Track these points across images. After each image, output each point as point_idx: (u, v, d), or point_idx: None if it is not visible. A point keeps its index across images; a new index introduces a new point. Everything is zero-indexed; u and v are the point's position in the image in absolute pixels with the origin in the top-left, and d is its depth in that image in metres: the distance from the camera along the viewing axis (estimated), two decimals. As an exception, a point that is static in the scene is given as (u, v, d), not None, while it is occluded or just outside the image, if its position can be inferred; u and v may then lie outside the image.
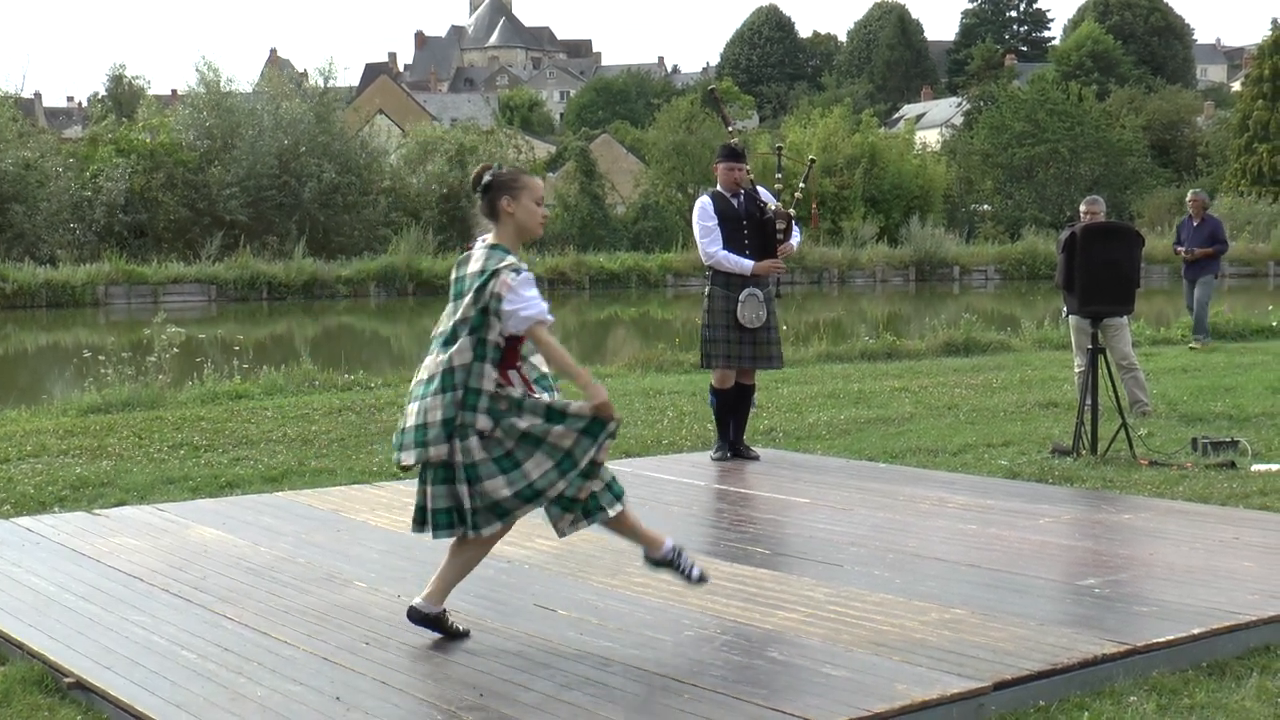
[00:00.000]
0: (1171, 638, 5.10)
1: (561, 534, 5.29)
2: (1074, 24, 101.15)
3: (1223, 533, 6.91)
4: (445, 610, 5.25)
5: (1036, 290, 37.33)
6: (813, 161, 10.66)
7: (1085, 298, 9.88)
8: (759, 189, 9.40)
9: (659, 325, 29.00)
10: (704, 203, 9.30)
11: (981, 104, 69.65)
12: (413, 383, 5.25)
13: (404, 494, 8.25)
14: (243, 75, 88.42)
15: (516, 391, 5.09)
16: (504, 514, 5.09)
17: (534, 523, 7.34)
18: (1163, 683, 4.81)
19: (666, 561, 5.40)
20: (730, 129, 9.99)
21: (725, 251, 9.13)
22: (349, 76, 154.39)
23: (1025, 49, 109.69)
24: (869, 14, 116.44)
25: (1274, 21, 70.51)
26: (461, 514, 5.08)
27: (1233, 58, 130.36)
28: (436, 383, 5.06)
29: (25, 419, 12.06)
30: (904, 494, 8.07)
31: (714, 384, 9.38)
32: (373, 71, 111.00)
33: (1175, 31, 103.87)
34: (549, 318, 5.11)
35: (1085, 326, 10.26)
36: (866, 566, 6.33)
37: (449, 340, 5.11)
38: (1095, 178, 54.21)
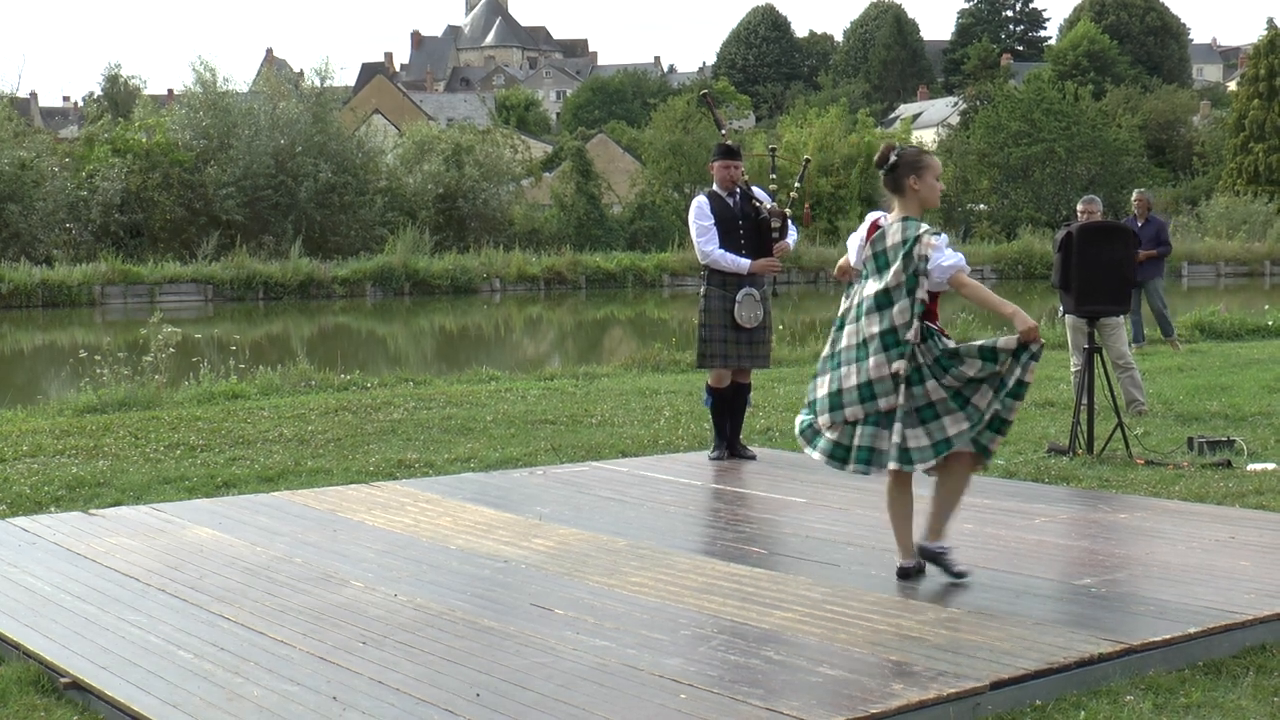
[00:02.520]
0: (1168, 637, 5.11)
1: (990, 455, 5.93)
2: (1070, 24, 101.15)
3: (1219, 532, 6.91)
4: (948, 548, 6.03)
5: (1033, 290, 37.34)
6: (807, 161, 10.65)
7: (1082, 297, 9.89)
8: (754, 189, 9.40)
9: (655, 325, 29.01)
10: (700, 202, 9.29)
11: (978, 104, 69.64)
12: (828, 353, 6.00)
13: (400, 494, 8.26)
14: (239, 75, 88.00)
15: (950, 341, 5.80)
16: (947, 447, 5.76)
17: (531, 523, 7.36)
18: (1159, 682, 4.81)
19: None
20: (724, 131, 9.98)
21: (722, 250, 9.12)
22: (345, 76, 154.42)
23: (1021, 48, 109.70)
24: (865, 13, 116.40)
25: (1269, 21, 70.53)
26: (885, 453, 5.78)
27: (1229, 57, 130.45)
28: (876, 343, 5.79)
29: (21, 419, 12.05)
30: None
31: (710, 383, 9.37)
32: (369, 71, 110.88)
33: (1171, 31, 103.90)
34: (967, 266, 5.82)
35: (1082, 326, 10.27)
36: (863, 566, 6.34)
37: (882, 304, 5.80)
38: (1091, 177, 54.23)
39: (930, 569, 6.17)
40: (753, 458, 9.40)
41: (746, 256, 9.14)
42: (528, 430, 11.15)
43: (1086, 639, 5.07)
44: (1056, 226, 42.90)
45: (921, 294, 5.76)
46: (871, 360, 5.79)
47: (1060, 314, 11.10)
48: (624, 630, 5.30)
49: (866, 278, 5.94)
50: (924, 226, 5.84)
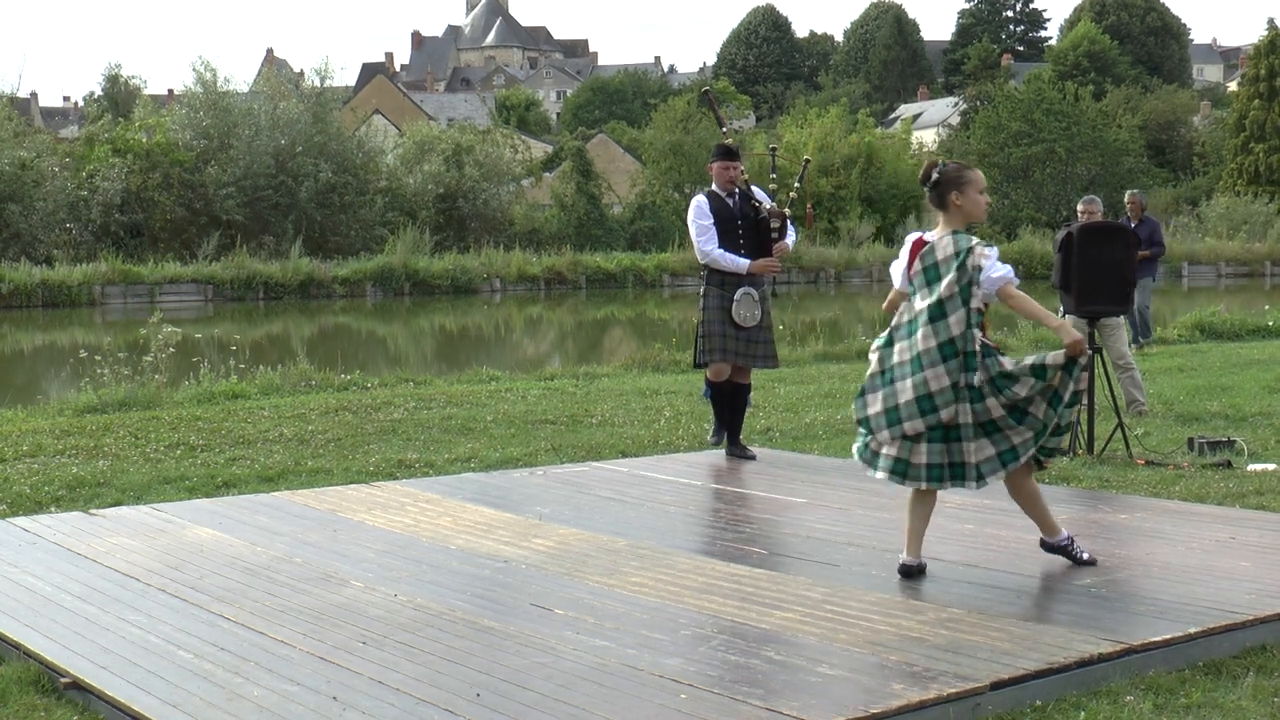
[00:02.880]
0: (1168, 637, 5.10)
1: (1063, 453, 6.14)
2: (1070, 24, 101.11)
3: (1219, 532, 6.91)
4: (1069, 536, 6.29)
5: (1033, 290, 37.11)
6: (807, 161, 10.65)
7: (1082, 297, 9.89)
8: (753, 189, 9.40)
9: (655, 325, 29.01)
10: (699, 202, 9.29)
11: (978, 104, 69.66)
12: (876, 369, 6.03)
13: (400, 494, 8.26)
14: (239, 75, 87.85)
15: (1009, 363, 5.88)
16: (1013, 457, 5.93)
17: (531, 523, 7.36)
18: (1159, 682, 4.81)
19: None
20: (725, 130, 9.98)
21: (721, 250, 9.12)
22: (345, 76, 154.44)
23: (1022, 49, 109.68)
24: (865, 14, 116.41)
25: (1270, 22, 70.41)
26: (955, 468, 5.93)
27: (1229, 58, 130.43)
28: (935, 354, 5.84)
29: (21, 419, 12.05)
30: (901, 494, 8.05)
31: (709, 378, 9.37)
32: (369, 71, 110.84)
33: (1172, 31, 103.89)
34: (1016, 279, 5.93)
35: (1082, 326, 10.26)
36: (863, 566, 6.34)
37: (936, 317, 5.86)
38: (1092, 177, 54.25)
39: (932, 569, 6.18)
40: (753, 458, 9.39)
41: (746, 256, 9.14)
42: (528, 430, 11.15)
43: (1087, 639, 5.07)
44: (1057, 227, 42.92)
45: (976, 304, 5.86)
46: (929, 372, 5.83)
47: (1060, 314, 11.09)
48: (624, 630, 5.29)
49: (915, 294, 6.00)
50: (974, 239, 5.93)
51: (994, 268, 5.85)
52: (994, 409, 5.86)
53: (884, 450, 6.01)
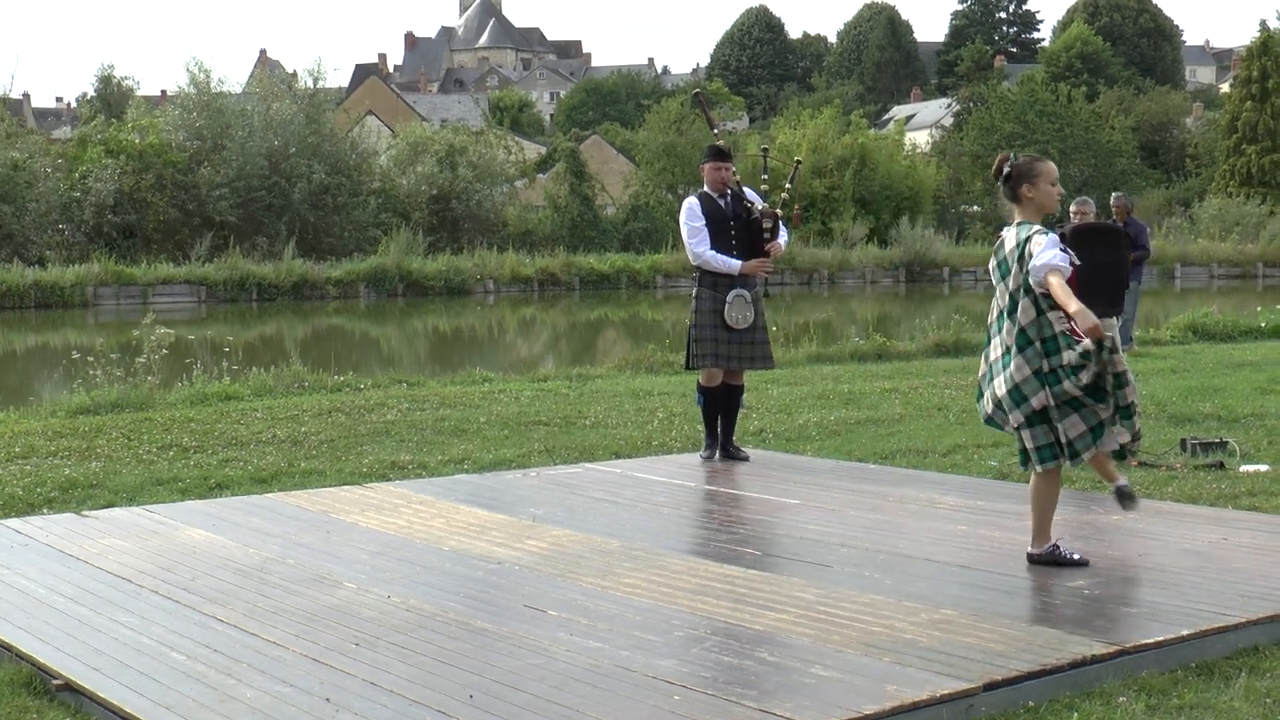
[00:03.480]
0: (1160, 638, 5.11)
1: (1138, 436, 6.18)
2: (1063, 25, 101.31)
3: (1211, 533, 6.92)
4: (1056, 542, 6.25)
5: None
6: (798, 163, 10.65)
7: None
8: (745, 189, 9.41)
9: (649, 326, 29.00)
10: (691, 203, 9.30)
11: (971, 105, 69.74)
12: (984, 367, 6.23)
13: (394, 495, 8.25)
14: (233, 76, 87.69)
15: (1077, 346, 5.92)
16: (1101, 431, 6.03)
17: (524, 525, 7.35)
18: (1152, 683, 4.81)
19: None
20: (716, 131, 9.99)
21: (713, 252, 9.12)
22: (339, 77, 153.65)
23: (1015, 50, 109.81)
24: (859, 15, 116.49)
25: (1262, 23, 70.55)
26: (1059, 446, 6.04)
27: (1221, 59, 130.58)
28: (1014, 347, 6.04)
29: (13, 420, 12.03)
30: (894, 495, 8.08)
31: (701, 382, 9.37)
32: (362, 72, 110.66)
33: (1164, 33, 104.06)
34: (1063, 267, 5.90)
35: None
36: (856, 567, 6.34)
37: (1011, 310, 6.06)
38: (1084, 179, 54.35)
39: (924, 570, 6.18)
40: (746, 459, 9.40)
41: (738, 257, 9.14)
42: (521, 432, 11.15)
43: (1080, 640, 5.07)
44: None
45: (1039, 289, 5.97)
46: (1013, 363, 6.04)
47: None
48: (617, 632, 5.29)
49: (996, 288, 6.20)
50: (1034, 228, 6.06)
51: (1040, 255, 5.94)
52: (1071, 390, 5.98)
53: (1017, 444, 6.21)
